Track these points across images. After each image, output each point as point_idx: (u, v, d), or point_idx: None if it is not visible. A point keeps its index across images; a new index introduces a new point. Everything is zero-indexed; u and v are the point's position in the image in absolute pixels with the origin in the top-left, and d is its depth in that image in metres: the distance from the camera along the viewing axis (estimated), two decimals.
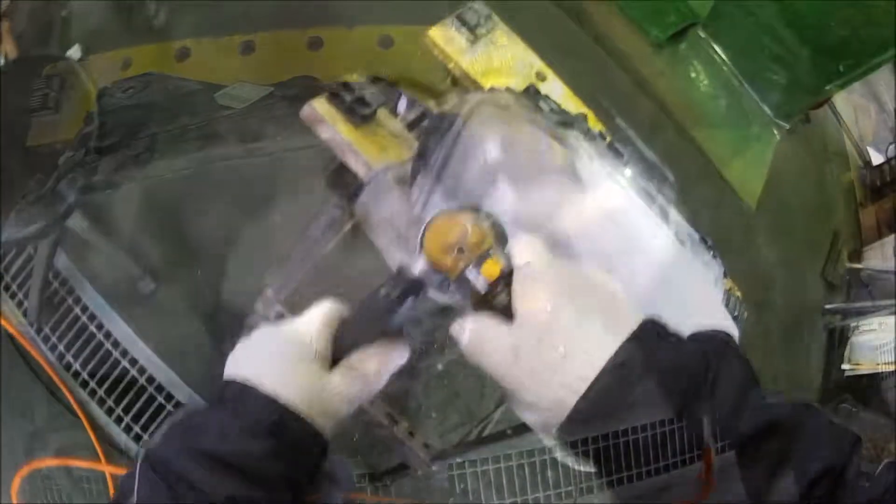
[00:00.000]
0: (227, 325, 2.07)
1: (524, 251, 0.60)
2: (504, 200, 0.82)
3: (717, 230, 3.51)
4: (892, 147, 4.53)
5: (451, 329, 0.62)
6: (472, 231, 0.61)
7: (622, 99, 3.60)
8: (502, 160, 0.83)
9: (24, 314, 2.06)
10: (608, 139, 0.93)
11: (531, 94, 1.10)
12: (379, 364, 0.64)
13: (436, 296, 0.64)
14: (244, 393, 0.57)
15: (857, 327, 3.58)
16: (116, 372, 2.06)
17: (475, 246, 0.61)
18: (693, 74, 3.90)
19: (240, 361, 0.62)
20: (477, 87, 1.24)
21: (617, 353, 0.51)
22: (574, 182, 0.84)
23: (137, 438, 2.03)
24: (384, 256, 0.93)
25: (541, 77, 1.35)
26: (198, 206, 2.27)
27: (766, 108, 4.00)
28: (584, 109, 1.29)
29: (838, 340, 3.68)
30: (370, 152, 1.03)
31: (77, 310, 2.08)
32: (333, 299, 0.66)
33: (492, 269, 0.60)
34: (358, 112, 1.04)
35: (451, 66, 1.27)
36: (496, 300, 0.60)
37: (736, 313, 1.44)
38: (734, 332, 1.04)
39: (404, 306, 0.64)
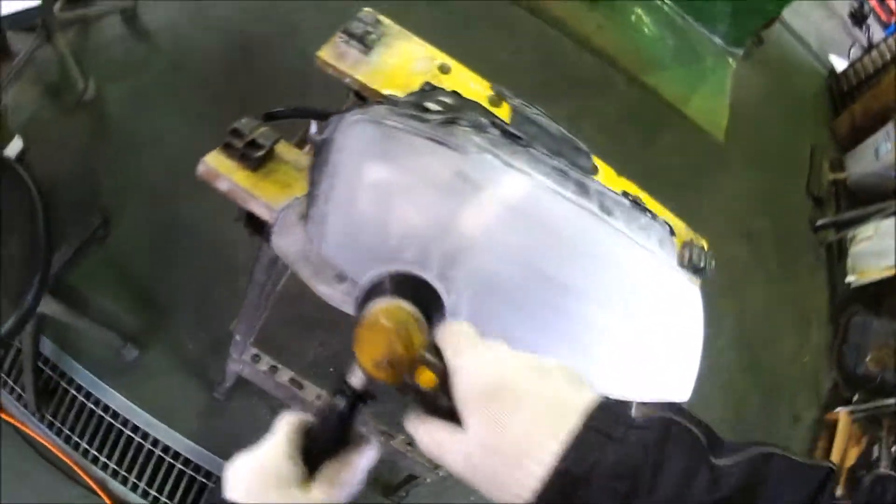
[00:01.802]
0: (214, 373, 2.10)
1: (456, 350, 0.59)
2: (404, 224, 0.83)
3: (689, 170, 3.52)
4: (853, 49, 4.50)
5: (406, 426, 0.62)
6: (397, 340, 0.60)
7: (567, 62, 3.59)
8: (388, 178, 0.84)
9: (25, 406, 2.09)
10: (501, 126, 0.91)
11: (423, 93, 1.08)
12: (352, 470, 0.65)
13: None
14: None
15: (853, 238, 3.55)
16: (122, 441, 2.09)
17: (404, 358, 0.59)
18: (634, 21, 3.88)
19: (231, 485, 0.64)
20: (378, 97, 1.23)
21: (560, 462, 0.50)
22: (465, 184, 0.83)
23: (156, 502, 2.08)
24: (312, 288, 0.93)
25: (444, 69, 1.33)
26: (162, 264, 2.30)
27: (716, 39, 3.98)
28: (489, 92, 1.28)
29: (837, 254, 3.65)
30: (270, 194, 1.03)
31: (72, 390, 2.10)
32: (292, 413, 0.68)
33: (426, 377, 0.59)
34: (251, 156, 1.04)
35: (348, 81, 1.26)
36: (439, 403, 0.59)
37: (702, 264, 1.42)
38: (691, 293, 1.03)
39: (359, 414, 0.66)
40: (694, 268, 1.44)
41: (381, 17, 1.34)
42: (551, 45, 3.60)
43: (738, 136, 3.79)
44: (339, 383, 0.66)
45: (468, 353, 0.58)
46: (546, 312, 0.88)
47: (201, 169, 1.04)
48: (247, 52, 2.80)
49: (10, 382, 2.12)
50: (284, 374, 1.79)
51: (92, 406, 2.12)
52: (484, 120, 0.89)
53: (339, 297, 0.88)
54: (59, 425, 2.10)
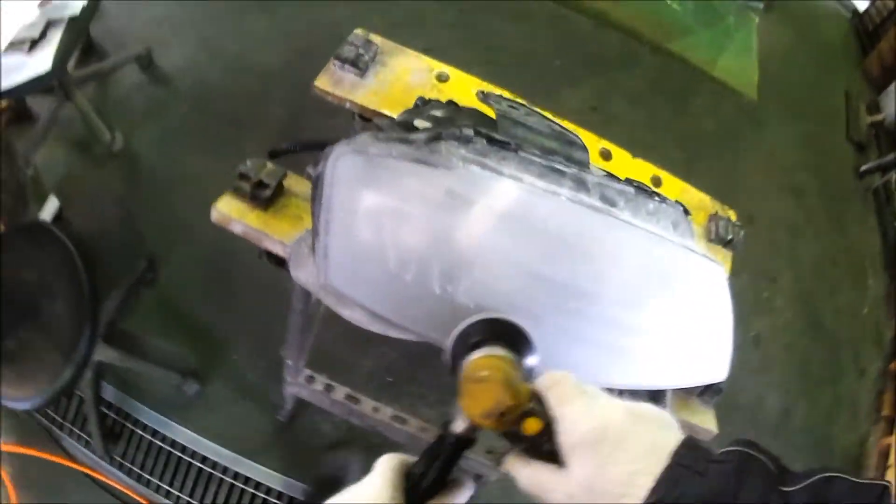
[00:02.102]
0: (275, 397, 2.14)
1: (563, 400, 0.63)
2: (400, 247, 0.85)
3: (725, 133, 3.46)
4: None
5: (506, 467, 0.67)
6: (506, 397, 0.63)
7: (586, 41, 3.55)
8: (379, 205, 0.85)
9: (93, 451, 2.17)
10: (486, 135, 0.91)
11: (415, 110, 1.09)
12: None
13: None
14: None
15: None
16: (193, 473, 2.16)
17: (513, 409, 0.63)
18: None
19: None
20: (380, 117, 1.25)
21: (651, 495, 0.56)
22: (455, 200, 0.84)
23: None
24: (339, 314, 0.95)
25: (442, 78, 1.35)
26: (212, 298, 2.36)
27: None
28: (498, 91, 1.28)
29: (885, 199, 3.54)
30: (282, 230, 1.06)
31: (138, 430, 2.17)
32: (392, 455, 0.70)
33: (532, 426, 0.63)
34: (260, 196, 1.07)
35: (348, 105, 1.28)
36: (543, 448, 0.63)
37: (729, 236, 1.40)
38: (713, 269, 1.02)
39: (459, 458, 0.69)
40: (722, 241, 1.42)
41: (373, 37, 1.36)
42: (568, 25, 3.57)
43: (771, 91, 3.70)
44: (443, 429, 0.69)
45: (571, 402, 0.63)
46: (560, 318, 0.88)
47: (214, 215, 1.08)
48: (266, 84, 2.85)
49: (77, 430, 2.20)
50: (340, 392, 1.83)
51: (159, 443, 2.18)
52: (468, 131, 0.89)
53: (366, 320, 0.90)
54: (130, 465, 2.17)
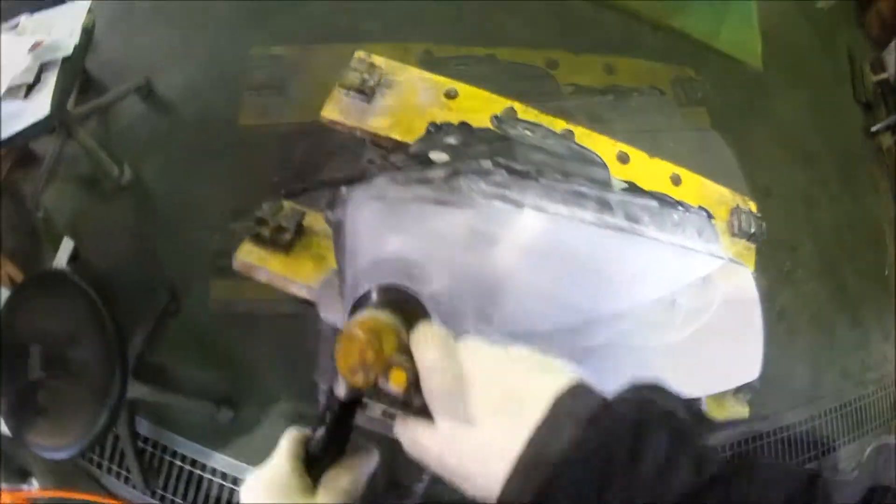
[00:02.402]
0: (310, 419, 2.14)
1: (423, 349, 0.59)
2: (429, 291, 0.83)
3: (732, 105, 3.41)
4: None
5: (394, 432, 0.64)
6: (368, 347, 0.61)
7: (587, 25, 3.50)
8: (404, 250, 0.84)
9: (134, 486, 2.18)
10: (506, 165, 0.90)
11: (428, 139, 1.07)
12: (351, 476, 0.68)
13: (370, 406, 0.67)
14: None
15: None
16: (235, 499, 2.17)
17: (376, 361, 0.61)
18: None
19: (245, 500, 0.67)
20: (392, 143, 1.23)
21: (527, 449, 0.50)
22: (479, 237, 0.83)
23: None
24: None
25: (450, 95, 1.33)
26: (238, 324, 2.36)
27: None
28: (505, 102, 1.27)
29: None
30: (306, 274, 1.05)
31: (177, 462, 2.19)
32: (293, 428, 0.71)
33: (399, 378, 0.60)
34: (281, 241, 1.07)
35: (359, 134, 1.27)
36: (415, 404, 0.60)
37: (752, 229, 1.38)
38: (740, 272, 1.01)
39: (351, 421, 0.70)
40: (745, 234, 1.40)
41: (375, 59, 1.33)
42: (567, 11, 3.51)
43: (775, 59, 3.63)
44: (327, 394, 0.68)
45: (434, 351, 0.58)
46: (594, 344, 0.88)
47: (236, 265, 1.08)
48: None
49: (115, 468, 2.21)
50: (376, 409, 1.82)
51: (199, 472, 2.19)
52: (486, 163, 0.88)
53: None
54: (172, 497, 2.19)
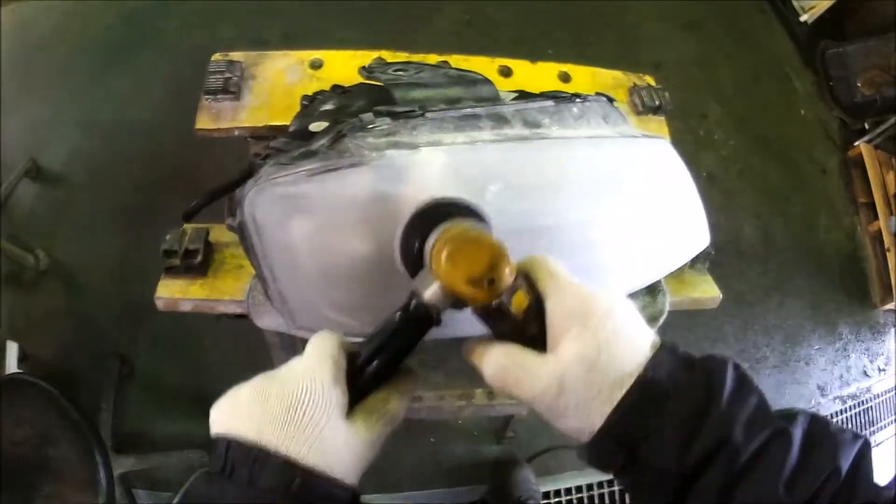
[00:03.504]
0: None
1: (550, 273, 0.61)
2: (354, 261, 0.79)
3: None
4: None
5: (471, 355, 0.62)
6: (502, 259, 0.57)
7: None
8: (313, 228, 0.80)
9: None
10: (387, 111, 0.85)
11: (305, 114, 1.00)
12: (399, 401, 0.61)
13: (453, 325, 0.62)
14: (257, 459, 0.51)
15: None
16: None
17: (503, 280, 0.57)
18: None
19: (241, 416, 0.55)
20: (272, 130, 1.18)
21: (646, 371, 0.55)
22: (384, 192, 0.79)
23: None
24: None
25: (316, 65, 1.27)
26: (194, 368, 2.31)
27: None
28: (371, 54, 1.22)
29: (782, 1, 3.52)
30: (229, 288, 1.01)
31: None
32: (329, 332, 0.62)
33: (521, 301, 0.58)
34: (194, 265, 1.02)
35: (238, 133, 1.21)
36: (526, 330, 0.59)
37: (657, 102, 1.38)
38: (657, 144, 0.99)
39: (417, 341, 0.62)
40: (651, 109, 1.39)
41: (233, 55, 1.28)
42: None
43: None
44: (410, 298, 0.61)
45: (561, 278, 0.61)
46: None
47: (160, 304, 1.02)
48: (156, 139, 2.73)
49: None
50: (450, 329, 1.77)
51: None
52: (367, 116, 0.83)
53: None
54: None
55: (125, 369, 2.28)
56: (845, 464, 0.52)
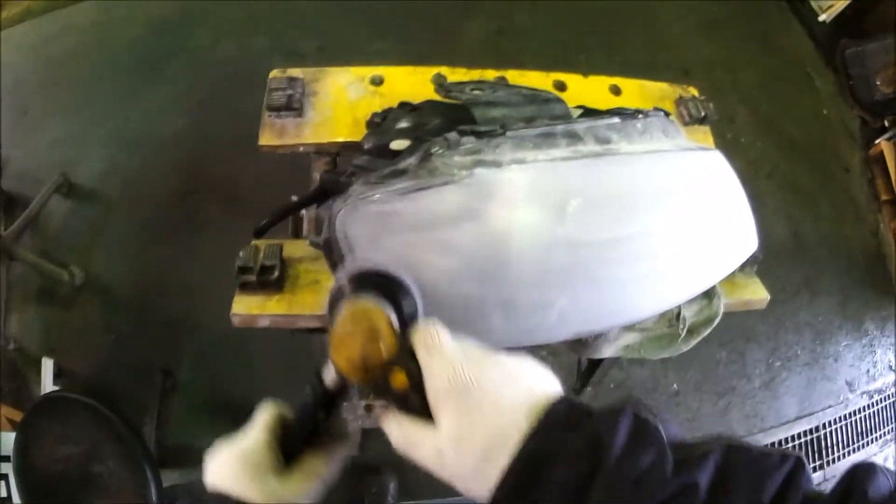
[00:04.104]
0: None
1: (429, 354, 0.60)
2: (443, 278, 0.82)
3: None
4: None
5: (381, 423, 0.63)
6: (369, 347, 0.60)
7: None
8: (405, 246, 0.82)
9: None
10: (471, 130, 0.88)
11: (379, 132, 1.03)
12: (330, 462, 0.69)
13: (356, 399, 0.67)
14: (224, 500, 0.64)
15: None
16: None
17: (377, 360, 0.60)
18: None
19: (214, 472, 0.67)
20: (338, 146, 1.22)
21: (524, 448, 0.53)
22: (472, 210, 0.81)
23: None
24: None
25: (377, 82, 1.30)
26: (239, 380, 2.33)
27: None
28: (429, 72, 1.25)
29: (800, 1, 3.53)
30: (308, 303, 1.03)
31: None
32: (271, 404, 0.71)
33: (400, 379, 0.60)
34: (270, 281, 1.04)
35: (303, 149, 1.24)
36: (411, 402, 0.60)
37: (702, 113, 1.41)
38: (711, 156, 1.01)
39: (334, 409, 0.68)
40: (697, 119, 1.42)
41: (291, 72, 1.31)
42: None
43: None
44: (315, 380, 0.67)
45: (440, 351, 0.60)
46: (612, 271, 0.88)
47: (236, 321, 1.04)
48: (189, 151, 2.74)
49: None
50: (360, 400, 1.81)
51: None
52: (453, 135, 0.86)
53: None
54: None
55: (168, 383, 2.30)
56: (768, 495, 0.50)
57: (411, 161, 0.84)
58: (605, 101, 1.35)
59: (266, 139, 1.24)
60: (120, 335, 2.41)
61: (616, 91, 1.40)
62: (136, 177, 2.71)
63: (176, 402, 2.29)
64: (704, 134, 1.44)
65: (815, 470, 2.55)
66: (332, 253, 0.86)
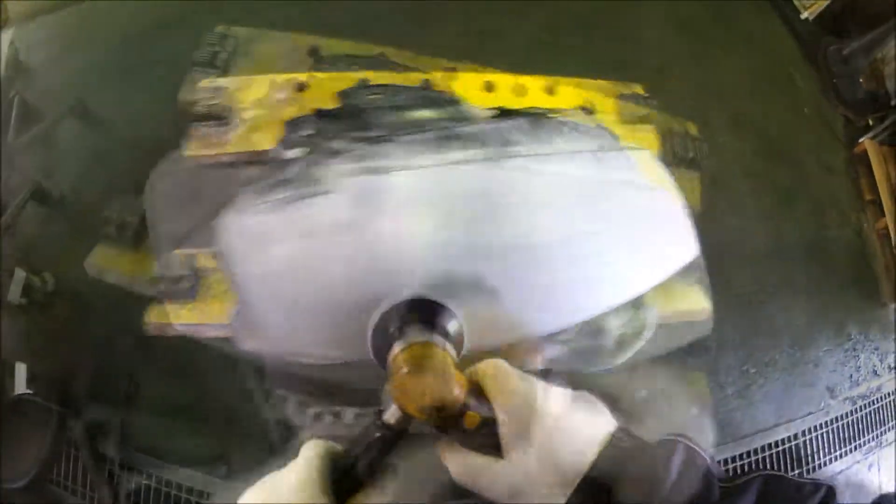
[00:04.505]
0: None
1: (498, 389, 0.63)
2: (333, 286, 0.81)
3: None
4: None
5: (440, 457, 0.65)
6: (444, 392, 0.61)
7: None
8: (291, 257, 0.81)
9: None
10: (359, 136, 0.87)
11: (286, 138, 1.03)
12: (381, 499, 0.66)
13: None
14: None
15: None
16: None
17: (452, 405, 0.61)
18: None
19: None
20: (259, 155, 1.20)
21: (590, 471, 0.59)
22: (359, 217, 0.80)
23: None
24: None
25: (314, 53, 1.28)
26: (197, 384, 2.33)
27: None
28: (355, 77, 1.23)
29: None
30: (216, 314, 1.02)
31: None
32: (318, 440, 0.67)
33: (473, 420, 0.62)
34: (182, 292, 1.03)
35: (226, 159, 1.22)
36: (482, 440, 0.62)
37: (691, 153, 1.34)
38: (639, 156, 0.98)
39: (394, 448, 0.66)
40: (683, 160, 1.35)
41: (220, 81, 1.29)
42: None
43: None
44: (376, 418, 0.65)
45: (511, 390, 0.63)
46: (514, 281, 0.86)
47: (151, 329, 1.04)
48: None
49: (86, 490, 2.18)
50: (349, 413, 1.79)
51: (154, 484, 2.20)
52: (340, 143, 0.85)
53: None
54: None
55: (132, 388, 2.32)
56: None
57: (296, 170, 0.83)
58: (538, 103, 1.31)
59: (192, 150, 1.21)
60: (89, 341, 2.42)
61: (550, 91, 1.36)
62: (113, 186, 2.68)
63: (140, 406, 2.31)
64: (691, 181, 1.36)
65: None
66: (223, 264, 0.85)
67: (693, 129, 1.37)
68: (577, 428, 0.62)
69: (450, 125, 0.90)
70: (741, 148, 3.03)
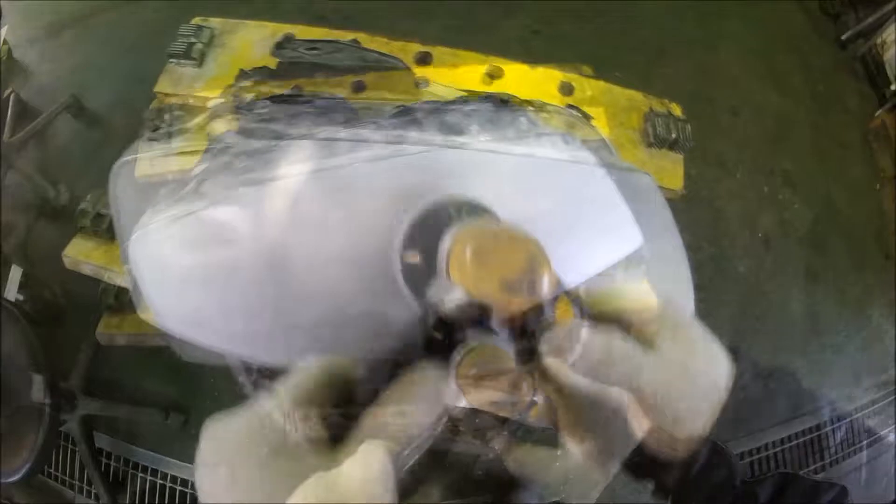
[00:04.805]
0: None
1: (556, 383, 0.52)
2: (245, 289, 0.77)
3: (688, 27, 3.13)
4: None
5: (502, 452, 0.57)
6: (542, 260, 0.45)
7: None
8: (189, 271, 0.78)
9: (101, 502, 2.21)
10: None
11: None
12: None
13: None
14: None
15: (882, 43, 3.12)
16: None
17: (549, 284, 0.45)
18: None
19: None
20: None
21: None
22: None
23: None
24: None
25: (288, 38, 1.25)
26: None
27: None
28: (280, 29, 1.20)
29: (874, 66, 3.19)
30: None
31: (139, 473, 2.24)
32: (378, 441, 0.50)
33: (535, 412, 0.50)
34: (100, 226, 1.02)
35: (192, 101, 1.20)
36: (534, 431, 0.54)
37: (673, 134, 1.24)
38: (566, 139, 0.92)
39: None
40: (664, 142, 1.26)
41: (212, 21, 1.27)
42: None
43: None
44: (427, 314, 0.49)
45: (565, 384, 0.52)
46: None
47: (102, 340, 1.03)
48: None
49: (85, 486, 2.26)
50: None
51: (161, 481, 2.24)
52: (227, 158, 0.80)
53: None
54: None
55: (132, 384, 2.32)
56: None
57: (190, 186, 0.79)
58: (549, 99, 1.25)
59: (161, 86, 1.21)
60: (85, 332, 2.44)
61: (567, 89, 1.28)
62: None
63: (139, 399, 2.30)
64: (673, 163, 1.28)
65: (816, 472, 2.38)
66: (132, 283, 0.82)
67: (677, 111, 1.27)
68: (623, 418, 0.56)
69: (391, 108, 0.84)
70: (747, 128, 2.87)
